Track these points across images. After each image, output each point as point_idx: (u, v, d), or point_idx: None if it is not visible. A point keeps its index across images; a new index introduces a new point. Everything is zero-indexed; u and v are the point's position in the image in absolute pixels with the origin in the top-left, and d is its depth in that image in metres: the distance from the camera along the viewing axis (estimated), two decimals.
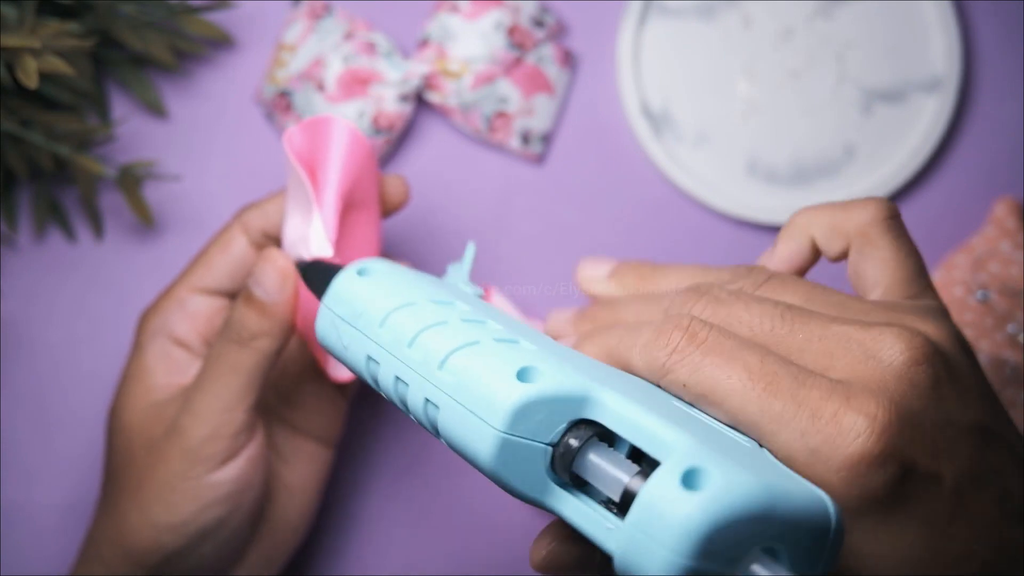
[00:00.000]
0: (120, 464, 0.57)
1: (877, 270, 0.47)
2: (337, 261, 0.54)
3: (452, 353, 0.42)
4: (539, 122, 0.68)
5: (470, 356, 0.41)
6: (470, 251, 0.51)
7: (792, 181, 0.69)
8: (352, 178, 0.56)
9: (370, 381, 0.46)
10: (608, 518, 0.38)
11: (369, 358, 0.45)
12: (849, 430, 0.39)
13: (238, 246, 0.59)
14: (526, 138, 0.68)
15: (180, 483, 0.54)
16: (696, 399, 0.41)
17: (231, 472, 0.55)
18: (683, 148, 0.69)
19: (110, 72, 0.68)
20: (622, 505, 0.37)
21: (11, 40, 0.57)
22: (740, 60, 0.69)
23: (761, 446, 0.41)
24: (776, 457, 0.40)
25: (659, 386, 0.43)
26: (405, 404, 0.44)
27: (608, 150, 0.69)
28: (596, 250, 0.69)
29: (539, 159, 0.69)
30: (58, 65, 0.58)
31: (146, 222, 0.66)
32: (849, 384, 0.40)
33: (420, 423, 0.43)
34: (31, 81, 0.57)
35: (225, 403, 0.54)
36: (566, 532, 0.42)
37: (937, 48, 0.68)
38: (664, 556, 0.35)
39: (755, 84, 0.69)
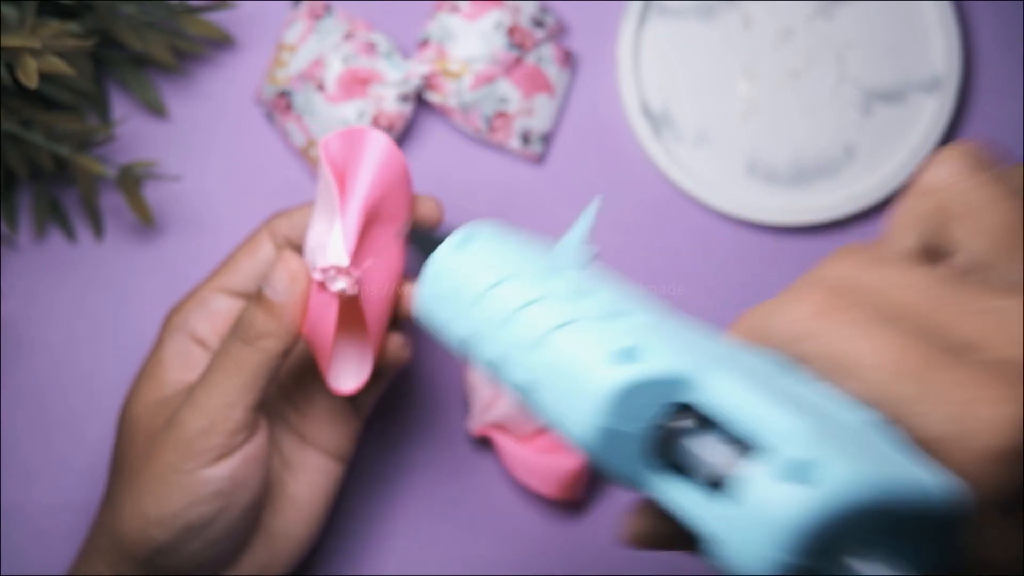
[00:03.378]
0: (122, 456, 0.57)
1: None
2: (352, 269, 0.54)
3: (548, 334, 0.40)
4: (539, 122, 0.68)
5: (567, 336, 0.39)
6: (593, 208, 0.48)
7: (792, 181, 0.69)
8: (381, 191, 0.56)
9: (468, 359, 0.44)
10: (707, 505, 0.36)
11: (464, 339, 0.44)
12: (992, 420, 0.34)
13: (264, 251, 0.59)
14: (526, 138, 0.68)
15: (171, 475, 0.54)
16: (829, 372, 0.37)
17: (224, 470, 0.55)
18: (683, 148, 0.69)
19: (110, 72, 0.68)
20: (722, 492, 0.35)
21: (11, 40, 0.57)
22: (740, 60, 0.69)
23: (889, 423, 0.37)
24: (909, 437, 0.36)
25: (786, 354, 0.39)
26: (501, 384, 0.42)
27: (608, 150, 0.69)
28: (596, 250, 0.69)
29: (539, 159, 0.69)
30: (58, 65, 0.58)
31: (146, 222, 0.66)
32: (1002, 368, 0.35)
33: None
34: (31, 81, 0.57)
35: (225, 399, 0.54)
36: (662, 510, 0.40)
37: (937, 48, 0.68)
38: (763, 551, 0.33)
39: (755, 84, 0.69)
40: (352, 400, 0.61)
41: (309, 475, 0.60)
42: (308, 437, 0.61)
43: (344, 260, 0.54)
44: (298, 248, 0.59)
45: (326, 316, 0.55)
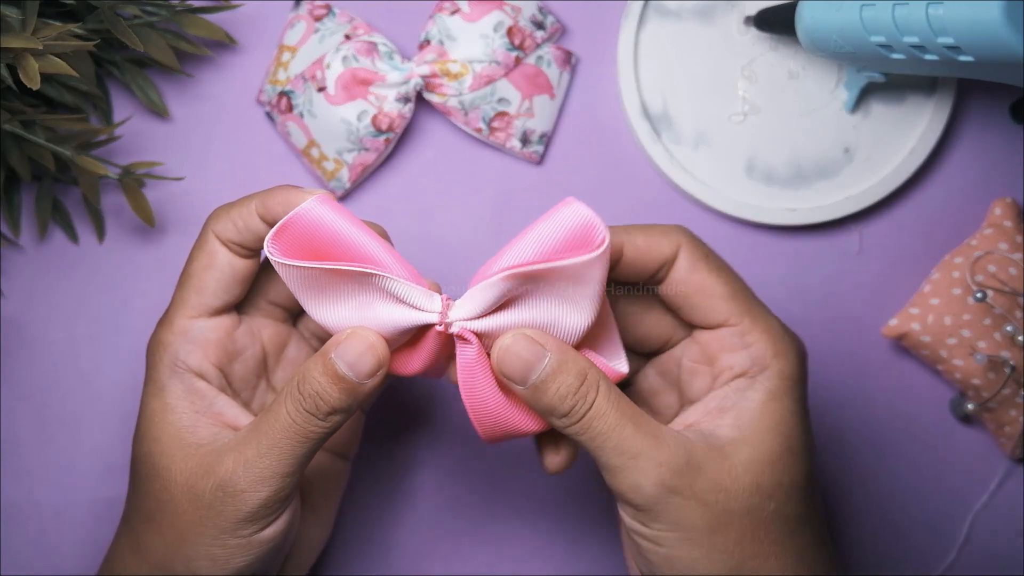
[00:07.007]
0: (156, 508, 0.55)
1: None
2: (441, 317, 0.52)
3: None
4: (539, 123, 0.68)
5: None
6: None
7: (790, 182, 0.69)
8: (372, 233, 0.53)
9: (862, 29, 0.58)
10: None
11: (864, 5, 0.57)
12: None
13: (221, 259, 0.57)
14: (526, 139, 0.68)
15: (230, 541, 0.54)
16: None
17: (279, 526, 0.55)
18: (682, 149, 0.69)
19: (112, 73, 0.68)
20: None
21: (13, 41, 0.57)
22: (739, 61, 0.69)
23: None
24: None
25: None
26: (902, 25, 0.54)
27: (608, 151, 0.69)
28: None
29: (539, 160, 0.69)
30: (60, 66, 0.58)
31: (148, 222, 0.66)
32: None
33: (914, 40, 0.55)
34: (33, 82, 0.57)
35: (288, 468, 0.53)
36: None
37: None
38: None
39: (754, 85, 0.69)
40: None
41: (322, 480, 0.61)
42: None
43: (438, 301, 0.53)
44: (253, 249, 0.57)
45: (478, 369, 0.54)
